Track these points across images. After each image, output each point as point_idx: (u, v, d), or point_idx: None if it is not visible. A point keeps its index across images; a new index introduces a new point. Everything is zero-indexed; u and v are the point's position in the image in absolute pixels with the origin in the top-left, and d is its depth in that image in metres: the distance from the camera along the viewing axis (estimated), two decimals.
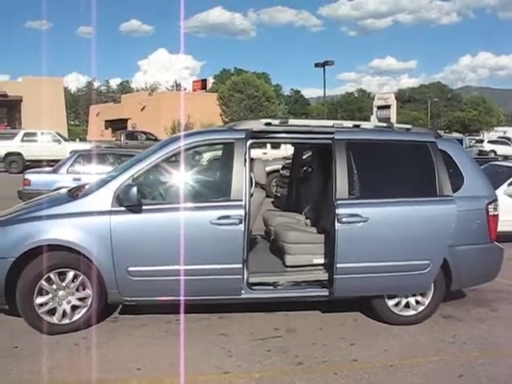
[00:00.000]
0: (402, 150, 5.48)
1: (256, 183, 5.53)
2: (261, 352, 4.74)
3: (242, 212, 4.98)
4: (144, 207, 4.97)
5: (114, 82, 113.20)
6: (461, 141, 22.67)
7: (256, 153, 18.49)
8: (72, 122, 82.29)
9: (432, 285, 5.38)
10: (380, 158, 5.46)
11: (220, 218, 4.94)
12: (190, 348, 4.73)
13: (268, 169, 15.97)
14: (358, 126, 5.60)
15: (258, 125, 5.33)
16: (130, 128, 51.39)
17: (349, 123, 5.65)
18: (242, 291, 5.13)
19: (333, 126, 5.44)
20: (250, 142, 5.21)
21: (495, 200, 5.55)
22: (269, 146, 20.23)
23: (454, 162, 5.52)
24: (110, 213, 4.94)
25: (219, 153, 8.06)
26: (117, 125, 57.73)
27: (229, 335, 5.11)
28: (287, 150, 18.59)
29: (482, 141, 42.71)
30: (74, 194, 5.57)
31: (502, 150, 37.36)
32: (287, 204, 7.45)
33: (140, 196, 4.92)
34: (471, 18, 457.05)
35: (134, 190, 4.80)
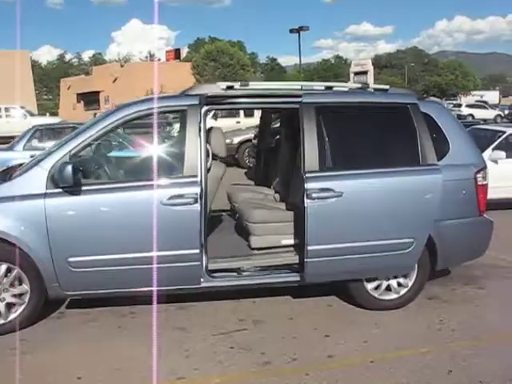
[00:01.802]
0: (379, 113, 4.85)
1: (214, 156, 4.85)
2: (222, 349, 4.14)
3: (196, 190, 4.33)
4: (84, 188, 4.30)
5: (87, 55, 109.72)
6: None
7: (229, 122, 17.77)
8: (45, 97, 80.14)
9: (416, 265, 4.82)
10: (355, 124, 4.85)
11: (172, 197, 4.29)
12: (143, 347, 4.13)
13: (240, 138, 15.34)
14: (330, 88, 4.98)
15: (214, 89, 4.65)
16: (102, 100, 49.89)
17: (320, 85, 5.02)
18: (202, 279, 4.50)
19: (301, 89, 4.80)
20: (205, 108, 4.52)
21: (484, 168, 4.96)
22: (242, 113, 19.40)
23: (439, 127, 4.90)
24: (44, 196, 4.26)
25: None
26: (89, 97, 56.24)
27: (188, 330, 4.51)
28: None
29: (459, 105, 42.66)
30: (8, 175, 4.84)
31: (479, 113, 37.52)
32: (256, 177, 6.81)
33: (80, 175, 4.26)
34: None
35: (69, 168, 4.11)
